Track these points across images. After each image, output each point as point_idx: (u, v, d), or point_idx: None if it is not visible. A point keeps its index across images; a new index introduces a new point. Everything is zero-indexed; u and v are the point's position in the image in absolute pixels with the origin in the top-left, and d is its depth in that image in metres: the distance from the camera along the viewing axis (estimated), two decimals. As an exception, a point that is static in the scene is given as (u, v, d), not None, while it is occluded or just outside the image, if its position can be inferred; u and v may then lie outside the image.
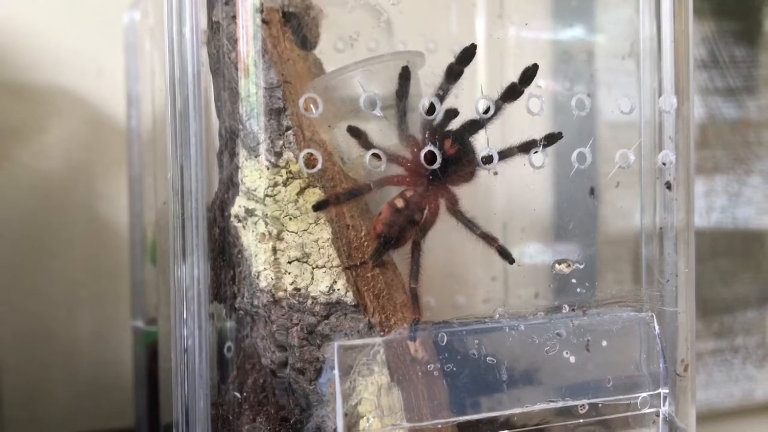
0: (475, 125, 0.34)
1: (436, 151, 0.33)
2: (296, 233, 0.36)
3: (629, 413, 0.36)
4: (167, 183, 0.37)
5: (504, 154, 0.34)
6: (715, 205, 0.88)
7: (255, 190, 0.36)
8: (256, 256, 0.36)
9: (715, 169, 0.88)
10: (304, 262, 0.36)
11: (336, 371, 0.31)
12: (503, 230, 0.42)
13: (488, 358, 0.33)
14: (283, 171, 0.36)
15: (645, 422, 0.36)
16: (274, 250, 0.36)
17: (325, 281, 0.36)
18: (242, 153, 0.37)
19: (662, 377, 0.36)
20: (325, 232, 0.36)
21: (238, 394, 0.35)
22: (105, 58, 0.64)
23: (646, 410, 0.36)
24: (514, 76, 0.34)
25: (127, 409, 0.58)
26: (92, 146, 0.66)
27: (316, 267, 0.36)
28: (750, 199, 0.89)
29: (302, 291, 0.36)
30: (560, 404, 0.34)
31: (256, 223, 0.36)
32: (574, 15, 0.54)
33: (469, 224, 0.34)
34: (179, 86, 0.36)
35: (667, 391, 0.36)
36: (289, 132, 0.36)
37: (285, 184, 0.36)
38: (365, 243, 0.36)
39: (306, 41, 0.42)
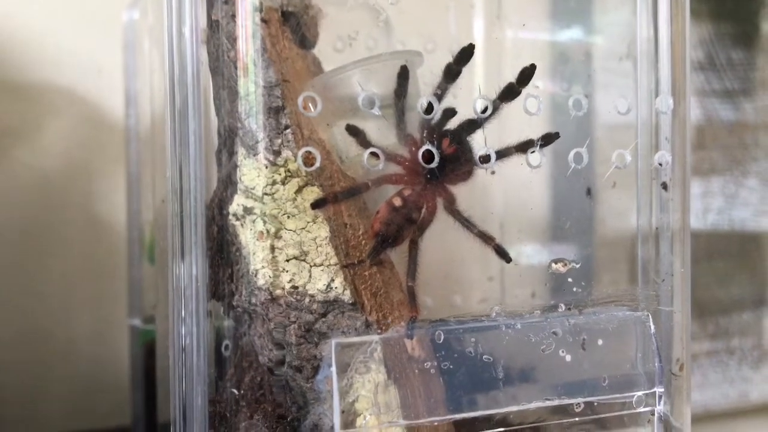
0: (472, 125, 0.34)
1: (434, 150, 0.33)
2: (294, 231, 0.36)
3: (624, 412, 0.36)
4: (166, 181, 0.37)
5: (501, 154, 0.34)
6: (712, 206, 0.89)
7: (253, 189, 0.36)
8: (254, 254, 0.36)
9: (712, 170, 0.89)
10: (302, 260, 0.36)
11: (333, 368, 0.31)
12: (500, 230, 0.42)
13: (485, 356, 0.33)
14: (282, 169, 0.36)
15: (640, 421, 0.37)
16: (272, 249, 0.36)
17: (323, 279, 0.36)
18: (241, 151, 0.37)
19: (657, 376, 0.36)
20: (323, 231, 0.36)
21: (235, 391, 0.35)
22: (104, 57, 0.64)
23: (641, 409, 0.36)
24: (511, 77, 0.34)
25: (124, 407, 0.58)
26: (91, 145, 0.66)
27: (314, 265, 0.36)
28: (746, 201, 0.89)
29: (300, 289, 0.36)
30: (556, 402, 0.35)
31: (254, 222, 0.36)
32: (572, 17, 0.54)
33: (467, 223, 0.34)
34: (179, 85, 0.36)
35: (662, 390, 0.36)
36: (288, 131, 0.36)
37: (283, 183, 0.36)
38: (363, 242, 0.37)
39: (305, 40, 0.42)
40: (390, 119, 0.35)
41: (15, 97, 0.63)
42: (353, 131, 0.33)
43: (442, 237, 0.37)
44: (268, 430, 0.35)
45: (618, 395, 0.35)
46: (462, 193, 0.35)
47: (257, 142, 0.36)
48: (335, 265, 0.36)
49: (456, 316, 0.34)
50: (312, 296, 0.36)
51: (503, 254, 0.35)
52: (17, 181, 0.63)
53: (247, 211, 0.37)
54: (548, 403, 0.34)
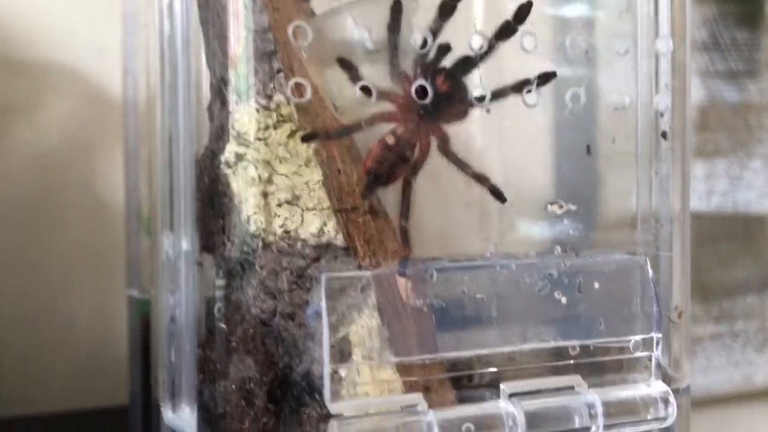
0: (467, 62, 0.33)
1: (428, 86, 0.33)
2: (286, 176, 0.35)
3: (621, 356, 0.35)
4: (155, 134, 0.37)
5: (497, 93, 0.34)
6: (716, 188, 0.88)
7: (245, 134, 0.36)
8: (246, 201, 0.36)
9: (716, 152, 0.88)
10: (294, 204, 0.35)
11: (323, 303, 0.31)
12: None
13: (478, 296, 0.33)
14: (274, 114, 0.36)
15: (638, 367, 0.36)
16: (265, 195, 0.36)
17: (315, 223, 0.35)
18: (233, 98, 0.37)
19: (655, 321, 0.35)
20: (315, 175, 0.36)
21: (226, 329, 0.35)
22: (105, 35, 0.64)
23: (639, 354, 0.35)
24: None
25: (125, 386, 0.58)
26: (92, 123, 0.66)
27: (306, 209, 0.35)
28: (751, 183, 0.89)
29: (292, 233, 0.35)
30: (551, 344, 0.34)
31: (246, 168, 0.36)
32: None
33: (461, 164, 0.34)
34: (168, 39, 0.36)
35: (660, 335, 0.35)
36: (280, 74, 0.36)
37: (275, 127, 0.36)
38: (356, 189, 0.36)
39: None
40: (385, 63, 0.34)
41: (16, 75, 0.63)
42: (345, 65, 0.32)
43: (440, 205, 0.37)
44: (258, 374, 0.34)
45: (614, 339, 0.35)
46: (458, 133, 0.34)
47: (249, 86, 0.36)
48: (328, 209, 0.35)
49: (449, 255, 0.34)
50: (304, 240, 0.35)
51: (498, 195, 0.34)
52: (17, 159, 0.63)
53: (239, 157, 0.36)
54: (543, 345, 0.34)
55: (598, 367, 0.35)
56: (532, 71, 0.33)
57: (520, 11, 0.33)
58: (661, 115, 0.38)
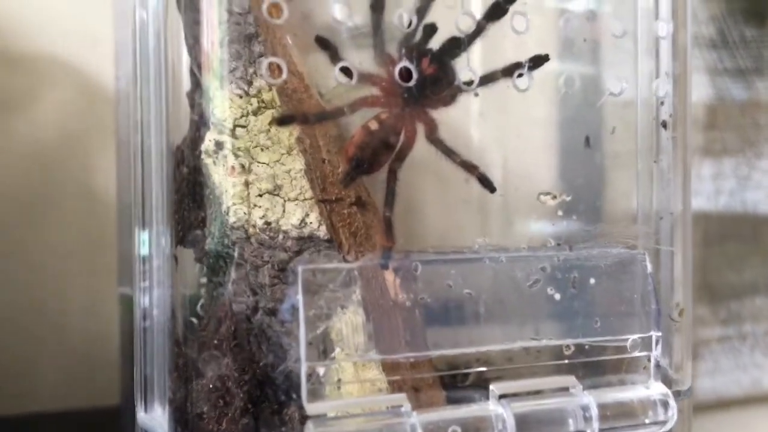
0: (455, 44, 0.32)
1: (412, 68, 0.31)
2: (267, 164, 0.34)
3: (618, 356, 0.33)
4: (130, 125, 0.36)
5: (487, 78, 0.32)
6: (724, 188, 0.86)
7: (225, 121, 0.34)
8: (226, 191, 0.34)
9: (724, 151, 0.87)
10: (275, 194, 0.34)
11: (300, 296, 0.29)
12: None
13: (466, 291, 0.31)
14: (254, 100, 0.34)
15: (636, 368, 0.34)
16: (246, 184, 0.34)
17: (297, 214, 0.34)
18: (213, 84, 0.35)
19: (654, 319, 0.34)
20: (297, 163, 0.34)
21: (197, 320, 0.33)
22: (99, 27, 0.63)
23: (637, 354, 0.33)
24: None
25: (116, 385, 0.57)
26: (86, 117, 0.65)
27: (288, 199, 0.34)
28: (759, 183, 0.87)
29: (273, 225, 0.34)
30: (543, 343, 0.32)
31: (226, 157, 0.34)
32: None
33: (449, 152, 0.32)
34: (140, 25, 0.35)
35: (659, 334, 0.33)
36: (262, 59, 0.34)
37: (256, 114, 0.34)
38: (344, 171, 0.34)
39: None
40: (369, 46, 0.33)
41: (10, 68, 0.62)
42: (324, 44, 0.31)
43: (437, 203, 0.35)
44: (237, 372, 0.33)
45: (611, 338, 0.33)
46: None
47: (229, 71, 0.34)
48: (310, 199, 0.34)
49: (435, 247, 0.32)
50: (286, 232, 0.34)
51: (487, 183, 0.32)
52: (11, 152, 0.62)
53: (219, 145, 0.35)
54: (535, 344, 0.32)
55: (593, 368, 0.33)
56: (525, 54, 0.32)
57: (510, -10, 0.31)
58: (661, 103, 0.36)
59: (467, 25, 0.31)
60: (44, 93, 0.63)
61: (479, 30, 0.31)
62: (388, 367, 0.32)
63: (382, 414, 0.31)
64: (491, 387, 0.32)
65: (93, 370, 0.62)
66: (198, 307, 0.37)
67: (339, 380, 0.32)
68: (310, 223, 0.34)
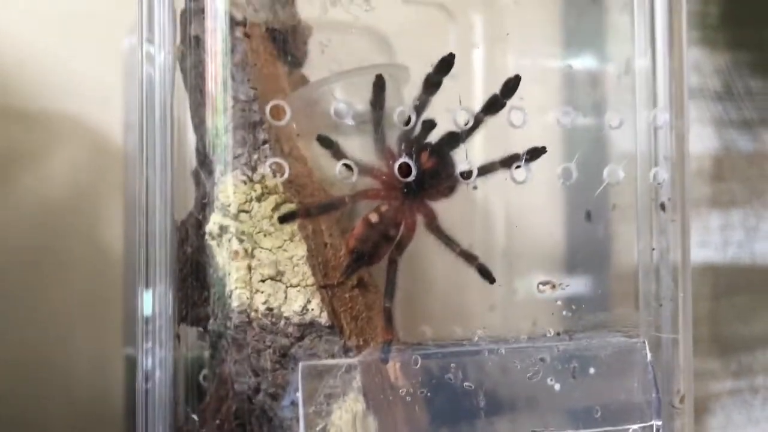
0: (453, 138, 0.32)
1: (411, 163, 0.32)
2: (270, 250, 0.34)
3: (619, 446, 0.33)
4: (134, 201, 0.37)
5: (485, 169, 0.32)
6: (732, 239, 0.86)
7: (229, 206, 0.35)
8: (229, 274, 0.35)
9: (732, 202, 0.86)
10: (277, 280, 0.34)
11: (300, 394, 0.29)
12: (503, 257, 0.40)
13: (465, 384, 0.31)
14: (258, 186, 0.35)
15: (637, 457, 0.34)
16: (249, 268, 0.34)
17: (299, 301, 0.34)
18: (218, 168, 0.36)
19: (655, 408, 0.33)
20: (300, 249, 0.34)
21: (195, 417, 0.33)
22: (109, 85, 0.64)
23: (638, 443, 0.33)
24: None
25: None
26: (95, 174, 0.65)
27: (290, 286, 0.34)
28: (768, 234, 0.87)
29: (275, 311, 0.34)
30: (543, 435, 0.32)
31: (230, 240, 0.35)
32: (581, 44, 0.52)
33: (448, 242, 0.32)
34: (147, 101, 0.36)
35: (660, 423, 0.33)
36: (266, 146, 0.35)
37: (259, 200, 0.35)
38: (344, 263, 0.35)
39: (292, 58, 0.41)
40: (371, 134, 0.33)
41: (20, 123, 0.63)
42: (325, 142, 0.31)
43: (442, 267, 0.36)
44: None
45: (611, 428, 0.33)
46: (446, 208, 0.33)
47: (234, 157, 0.35)
48: (312, 285, 0.34)
49: (435, 340, 0.32)
50: (287, 318, 0.34)
51: (486, 274, 0.33)
52: (20, 207, 0.62)
53: (223, 229, 0.35)
54: (535, 436, 0.32)
55: (594, 459, 0.33)
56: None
57: (508, 86, 0.32)
58: (659, 184, 0.36)
59: (464, 119, 0.32)
60: (55, 149, 0.64)
61: (477, 123, 0.32)
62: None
63: None
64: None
65: (99, 428, 0.62)
66: (201, 377, 0.37)
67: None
68: (312, 309, 0.34)
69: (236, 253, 0.34)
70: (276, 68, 0.39)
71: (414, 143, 0.32)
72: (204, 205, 0.37)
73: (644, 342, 0.34)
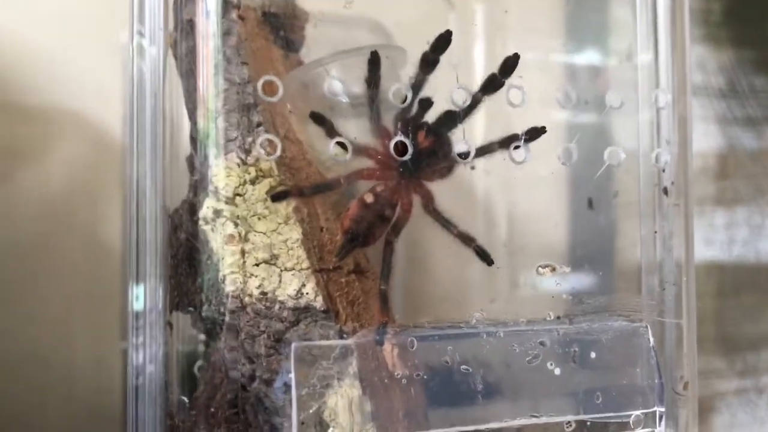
0: (451, 117, 0.31)
1: (407, 142, 0.31)
2: (264, 234, 0.34)
3: (621, 433, 0.32)
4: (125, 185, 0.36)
5: (484, 149, 0.32)
6: (737, 237, 0.85)
7: (223, 189, 0.34)
8: (223, 259, 0.34)
9: (736, 200, 0.86)
10: (272, 264, 0.34)
11: (292, 375, 0.29)
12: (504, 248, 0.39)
13: (462, 367, 0.30)
14: (252, 169, 0.34)
15: (640, 444, 0.33)
16: (243, 253, 0.34)
17: (294, 284, 0.33)
18: (212, 152, 0.35)
19: (657, 394, 0.33)
20: (294, 233, 0.34)
21: (185, 399, 0.32)
22: (109, 80, 0.64)
23: (640, 430, 0.32)
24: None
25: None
26: (95, 169, 0.65)
27: (285, 269, 0.34)
28: (773, 232, 0.86)
29: (269, 295, 0.33)
30: (543, 420, 0.31)
31: (224, 224, 0.34)
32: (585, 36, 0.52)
33: (446, 224, 0.32)
34: (138, 91, 0.35)
35: (663, 409, 0.32)
36: (260, 128, 0.34)
37: (254, 183, 0.34)
38: (338, 244, 0.34)
39: (289, 42, 0.40)
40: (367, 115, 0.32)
41: (20, 120, 0.63)
42: (319, 120, 0.31)
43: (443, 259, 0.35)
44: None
45: (613, 414, 0.32)
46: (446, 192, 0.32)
47: (228, 140, 0.34)
48: (307, 269, 0.33)
49: (431, 322, 0.31)
50: (282, 303, 0.33)
51: (484, 256, 0.32)
52: (21, 203, 0.62)
53: (217, 213, 0.35)
54: (534, 421, 0.31)
55: (595, 445, 0.32)
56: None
57: (507, 64, 0.31)
58: (663, 170, 0.35)
59: (462, 98, 0.31)
60: (54, 145, 0.64)
61: (475, 103, 0.31)
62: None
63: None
64: (490, 466, 0.31)
65: (99, 422, 0.61)
66: (195, 369, 0.37)
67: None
68: (307, 293, 0.33)
69: (231, 237, 0.34)
70: (271, 52, 0.38)
71: (410, 122, 0.31)
72: (198, 190, 0.37)
73: (647, 326, 0.33)
